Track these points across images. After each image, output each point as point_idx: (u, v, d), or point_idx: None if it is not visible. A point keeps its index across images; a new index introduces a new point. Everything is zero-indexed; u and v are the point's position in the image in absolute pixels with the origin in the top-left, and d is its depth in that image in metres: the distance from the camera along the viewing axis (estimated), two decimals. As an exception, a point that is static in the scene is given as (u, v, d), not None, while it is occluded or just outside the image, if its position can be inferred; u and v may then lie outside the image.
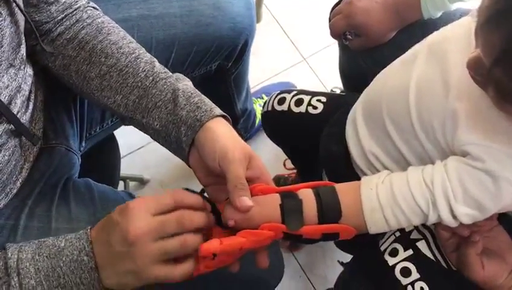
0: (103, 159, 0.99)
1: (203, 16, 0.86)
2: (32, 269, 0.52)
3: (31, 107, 0.67)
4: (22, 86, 0.64)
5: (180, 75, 0.68)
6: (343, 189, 0.60)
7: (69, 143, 0.77)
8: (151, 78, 0.65)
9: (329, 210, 0.58)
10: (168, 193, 0.56)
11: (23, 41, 0.63)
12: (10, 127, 0.62)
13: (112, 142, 1.00)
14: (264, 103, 0.92)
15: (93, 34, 0.67)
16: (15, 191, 0.67)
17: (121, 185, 1.22)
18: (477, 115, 0.55)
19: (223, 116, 0.64)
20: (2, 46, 0.56)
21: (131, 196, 0.75)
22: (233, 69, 1.00)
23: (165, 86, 0.64)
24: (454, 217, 0.57)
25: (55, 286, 0.52)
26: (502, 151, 0.53)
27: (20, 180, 0.67)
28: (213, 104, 0.65)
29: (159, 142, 0.68)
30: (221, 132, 0.61)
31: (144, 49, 0.70)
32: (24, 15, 0.59)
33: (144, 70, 0.65)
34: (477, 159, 0.55)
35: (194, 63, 0.88)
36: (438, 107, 0.58)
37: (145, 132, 0.68)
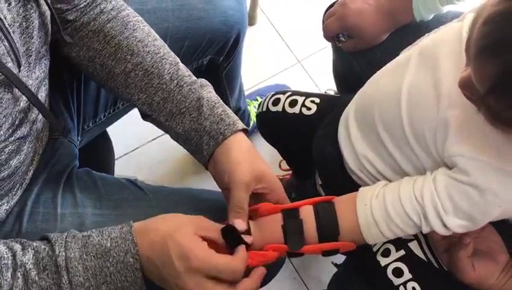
0: (97, 159, 0.99)
1: (195, 9, 0.86)
2: (80, 268, 0.54)
3: (47, 99, 0.69)
4: (46, 78, 0.65)
5: (204, 81, 0.69)
6: (341, 205, 0.64)
7: (70, 135, 0.78)
8: (175, 81, 0.67)
9: (327, 230, 0.62)
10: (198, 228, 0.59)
11: (50, 31, 0.64)
12: (37, 120, 0.64)
13: (106, 141, 1.00)
14: (259, 104, 0.92)
15: (119, 29, 0.68)
16: (28, 181, 0.68)
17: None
18: (468, 124, 0.55)
19: (243, 130, 0.67)
20: (32, 38, 0.57)
21: (130, 181, 0.76)
22: (225, 63, 1.00)
23: (190, 93, 0.66)
24: (446, 227, 0.58)
25: (101, 283, 0.55)
26: (490, 164, 0.53)
27: (31, 171, 0.68)
28: (235, 115, 0.67)
29: (177, 142, 0.70)
30: (236, 151, 0.65)
31: (167, 47, 0.71)
32: (47, 4, 0.60)
33: (169, 73, 0.67)
34: (463, 173, 0.55)
35: (186, 58, 0.89)
36: (429, 115, 0.59)
37: (165, 131, 0.70)
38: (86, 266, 0.55)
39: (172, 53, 0.70)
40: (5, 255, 0.54)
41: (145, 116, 0.71)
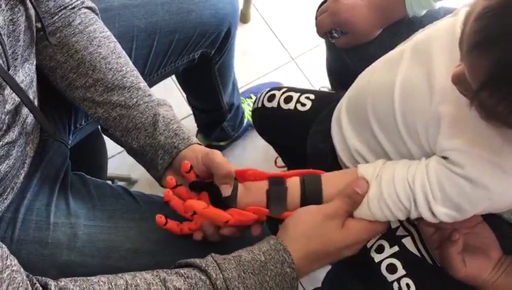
0: (90, 158, 0.98)
1: (184, 2, 0.86)
2: (241, 287, 0.53)
3: (36, 102, 0.68)
4: (33, 82, 0.65)
5: (163, 100, 0.71)
6: (329, 178, 0.64)
7: (61, 135, 0.77)
8: (135, 100, 0.68)
9: (310, 199, 0.62)
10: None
11: (35, 35, 0.64)
12: (26, 123, 0.63)
13: (99, 140, 1.00)
14: (255, 100, 0.92)
15: (84, 44, 0.68)
16: (19, 185, 0.67)
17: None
18: (460, 118, 0.55)
19: (198, 144, 0.68)
20: (19, 41, 0.57)
21: (125, 190, 0.76)
22: (217, 57, 0.99)
23: (146, 109, 0.67)
24: (434, 215, 0.58)
25: None
26: (482, 157, 0.53)
27: (23, 174, 0.68)
28: (190, 132, 0.68)
29: (134, 158, 0.71)
30: (198, 147, 0.67)
31: (131, 64, 0.71)
32: (35, 9, 0.60)
33: (129, 91, 0.68)
34: (457, 165, 0.55)
35: (177, 52, 0.89)
36: (421, 108, 0.58)
37: (121, 146, 0.71)
38: (247, 285, 0.53)
39: (135, 72, 0.71)
40: (153, 281, 0.52)
41: (103, 130, 0.72)
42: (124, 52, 0.72)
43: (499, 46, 0.42)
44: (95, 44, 0.68)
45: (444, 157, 0.57)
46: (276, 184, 0.64)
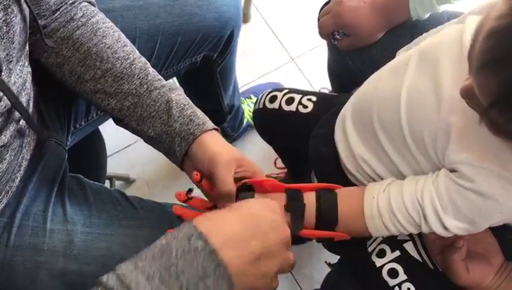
0: (90, 157, 0.98)
1: (188, 5, 0.85)
2: (141, 278, 0.41)
3: (31, 104, 0.67)
4: (26, 83, 0.64)
5: (173, 85, 0.70)
6: (346, 195, 0.65)
7: (58, 136, 0.76)
8: (145, 86, 0.67)
9: (326, 217, 0.63)
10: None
11: (28, 36, 0.63)
12: (19, 126, 0.62)
13: (99, 140, 0.99)
14: (256, 101, 0.92)
15: (88, 35, 0.67)
16: (14, 189, 0.66)
17: (106, 184, 1.20)
18: (469, 131, 0.54)
19: (214, 129, 0.67)
20: (13, 43, 0.56)
21: (123, 195, 0.75)
22: (219, 60, 0.99)
23: (159, 96, 0.67)
24: (446, 229, 0.58)
25: (178, 289, 0.41)
26: (492, 171, 0.53)
27: (18, 177, 0.67)
28: (205, 116, 0.68)
29: (151, 145, 0.70)
30: (210, 143, 0.65)
31: (137, 52, 0.70)
32: (31, 11, 0.59)
33: (139, 78, 0.67)
34: (467, 179, 0.55)
35: (179, 54, 0.88)
36: (429, 120, 0.58)
37: (137, 135, 0.70)
38: (148, 273, 0.41)
39: (142, 58, 0.70)
40: None
41: (117, 121, 0.71)
42: (129, 41, 0.71)
43: (508, 66, 0.42)
44: (100, 34, 0.68)
45: (453, 170, 0.57)
46: (294, 199, 0.64)
